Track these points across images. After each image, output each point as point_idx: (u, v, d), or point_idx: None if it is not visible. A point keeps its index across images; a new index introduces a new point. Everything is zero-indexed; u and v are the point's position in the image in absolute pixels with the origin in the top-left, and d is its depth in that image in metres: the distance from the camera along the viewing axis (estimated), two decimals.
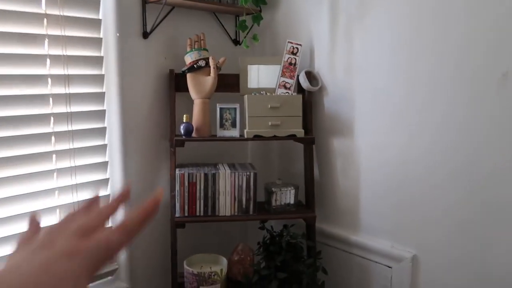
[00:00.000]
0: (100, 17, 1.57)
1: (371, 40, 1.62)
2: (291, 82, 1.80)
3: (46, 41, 1.44)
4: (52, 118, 1.47)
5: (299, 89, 1.83)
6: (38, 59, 1.43)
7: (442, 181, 1.48)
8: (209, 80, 1.72)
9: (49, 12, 1.43)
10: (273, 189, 1.75)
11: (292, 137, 1.72)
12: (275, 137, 1.70)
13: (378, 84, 1.62)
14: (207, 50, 1.76)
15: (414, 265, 1.57)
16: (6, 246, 1.39)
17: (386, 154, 1.62)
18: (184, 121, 1.69)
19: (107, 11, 1.57)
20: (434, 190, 1.50)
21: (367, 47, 1.64)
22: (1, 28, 1.34)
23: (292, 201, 1.77)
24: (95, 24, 1.56)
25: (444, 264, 1.50)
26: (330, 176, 1.83)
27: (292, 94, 1.78)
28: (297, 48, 1.80)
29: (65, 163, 1.52)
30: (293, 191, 1.77)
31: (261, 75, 1.83)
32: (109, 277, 1.67)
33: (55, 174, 1.50)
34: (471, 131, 1.39)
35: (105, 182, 1.65)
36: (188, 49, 1.75)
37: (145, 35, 1.69)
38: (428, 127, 1.50)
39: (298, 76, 1.80)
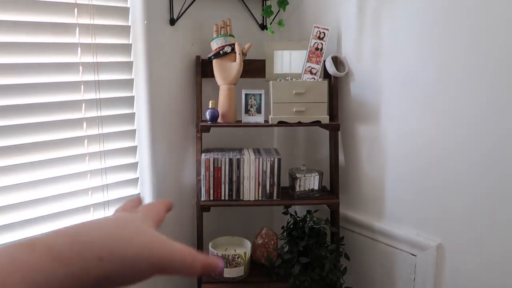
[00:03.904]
0: (128, 5, 1.61)
1: (400, 24, 1.58)
2: (317, 67, 1.79)
3: (77, 30, 1.49)
4: (83, 104, 1.54)
5: (325, 74, 1.81)
6: (70, 47, 1.48)
7: (470, 170, 1.44)
8: (235, 66, 1.74)
9: (79, 1, 1.47)
10: (297, 174, 1.76)
11: (317, 123, 1.72)
12: (299, 123, 1.70)
13: (406, 69, 1.58)
14: (233, 36, 1.77)
15: (439, 253, 1.56)
16: (38, 227, 1.48)
17: (413, 141, 1.60)
18: (210, 107, 1.71)
19: None
20: (461, 179, 1.47)
21: (396, 31, 1.60)
22: (34, 18, 1.40)
23: (316, 187, 1.78)
24: (124, 12, 1.60)
25: (470, 253, 1.48)
26: (355, 162, 1.82)
27: (318, 79, 1.77)
28: (323, 33, 1.78)
29: (96, 148, 1.59)
30: (317, 177, 1.77)
31: (287, 61, 1.82)
32: None
33: (87, 158, 1.57)
34: (503, 119, 1.34)
35: (134, 166, 1.71)
36: (215, 35, 1.76)
37: (172, 22, 1.71)
38: (458, 114, 1.45)
39: (324, 61, 1.78)
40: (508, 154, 1.34)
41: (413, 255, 1.63)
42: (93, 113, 1.56)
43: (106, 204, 1.63)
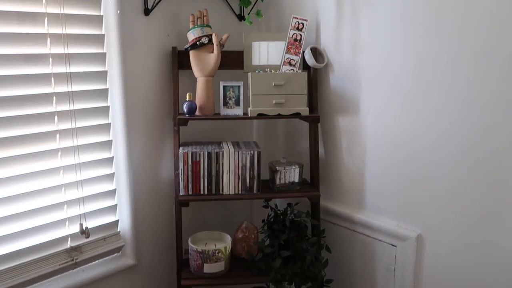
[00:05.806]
0: None
1: (379, 16, 1.57)
2: (296, 59, 1.76)
3: (46, 19, 1.42)
4: (54, 98, 1.47)
5: (304, 66, 1.79)
6: (39, 38, 1.42)
7: (448, 160, 1.45)
8: (212, 58, 1.70)
9: None
10: (277, 167, 1.74)
11: (297, 115, 1.70)
12: (279, 116, 1.68)
13: (383, 61, 1.58)
14: (210, 27, 1.73)
15: (418, 244, 1.57)
16: (9, 224, 1.43)
17: (392, 132, 1.59)
18: (187, 99, 1.67)
19: None
20: (440, 169, 1.47)
21: (374, 22, 1.59)
22: (1, 8, 1.33)
23: (296, 180, 1.76)
24: (95, 1, 1.54)
25: (449, 243, 1.49)
26: (335, 154, 1.81)
27: (297, 71, 1.74)
28: (302, 23, 1.75)
29: (69, 143, 1.53)
30: (297, 170, 1.76)
31: (266, 52, 1.79)
32: (116, 254, 1.71)
33: (59, 153, 1.51)
34: (477, 110, 1.35)
35: (109, 161, 1.66)
36: (191, 26, 1.72)
37: (147, 11, 1.66)
38: (434, 105, 1.46)
39: (303, 52, 1.76)
40: (486, 146, 1.35)
41: (393, 245, 1.64)
42: (65, 107, 1.50)
43: (81, 200, 1.57)
